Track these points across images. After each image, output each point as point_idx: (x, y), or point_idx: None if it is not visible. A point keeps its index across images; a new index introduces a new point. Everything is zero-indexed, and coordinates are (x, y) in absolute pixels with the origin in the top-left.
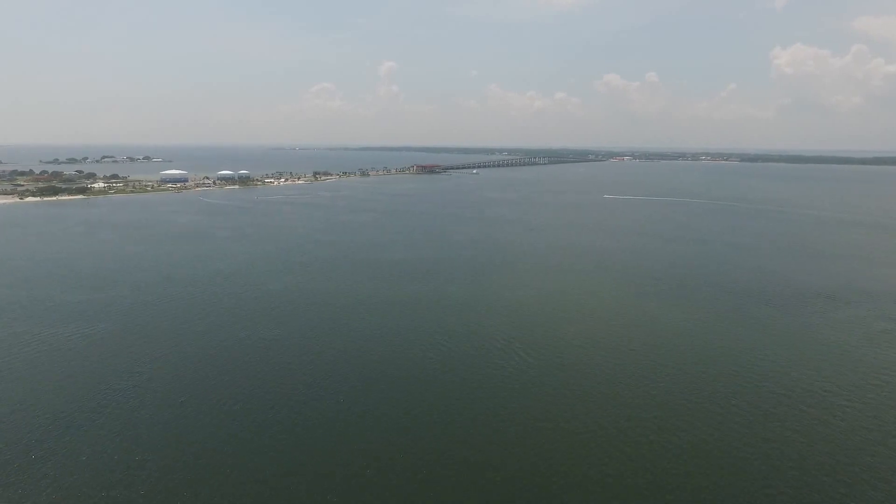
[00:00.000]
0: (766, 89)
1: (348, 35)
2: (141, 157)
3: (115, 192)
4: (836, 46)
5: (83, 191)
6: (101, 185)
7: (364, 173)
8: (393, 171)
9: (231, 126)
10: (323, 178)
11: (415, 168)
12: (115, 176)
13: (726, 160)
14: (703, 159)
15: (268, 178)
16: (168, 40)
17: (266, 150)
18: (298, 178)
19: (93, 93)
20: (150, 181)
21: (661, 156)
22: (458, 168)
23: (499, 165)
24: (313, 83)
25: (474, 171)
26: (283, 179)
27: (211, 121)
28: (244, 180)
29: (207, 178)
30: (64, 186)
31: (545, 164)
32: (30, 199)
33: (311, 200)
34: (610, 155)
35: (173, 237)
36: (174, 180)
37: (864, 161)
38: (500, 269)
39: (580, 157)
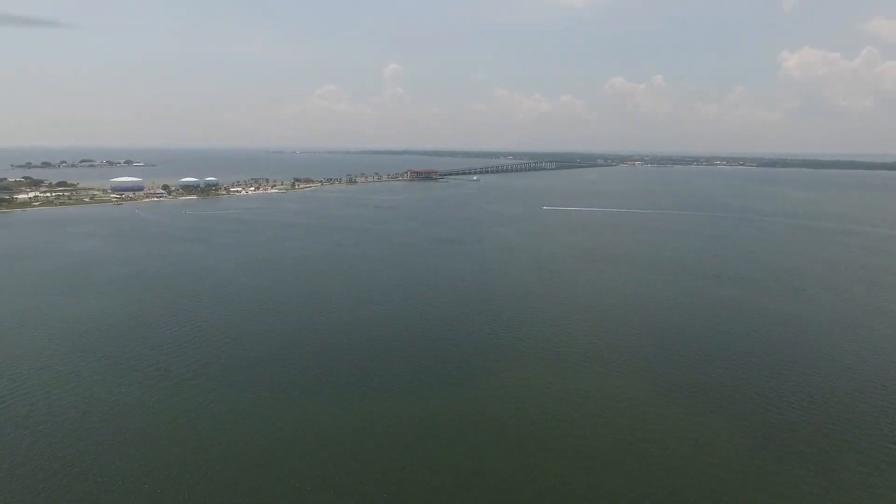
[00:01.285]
0: (775, 92)
1: (354, 37)
2: (122, 161)
3: (40, 205)
4: (847, 49)
5: None
6: (30, 195)
7: (351, 180)
8: (385, 177)
9: (236, 129)
10: (303, 185)
11: (409, 174)
12: (62, 183)
13: (742, 165)
14: (719, 164)
15: (237, 187)
16: (177, 43)
17: (267, 153)
18: (272, 187)
19: (100, 95)
20: (99, 189)
21: (674, 160)
22: (456, 174)
23: (503, 171)
24: (319, 86)
25: (474, 178)
26: (252, 188)
27: (216, 124)
28: (208, 189)
29: (166, 186)
30: None
31: (552, 168)
32: None
33: (268, 216)
34: (619, 159)
35: None
36: (125, 189)
37: (887, 166)
38: (505, 361)
39: (589, 161)
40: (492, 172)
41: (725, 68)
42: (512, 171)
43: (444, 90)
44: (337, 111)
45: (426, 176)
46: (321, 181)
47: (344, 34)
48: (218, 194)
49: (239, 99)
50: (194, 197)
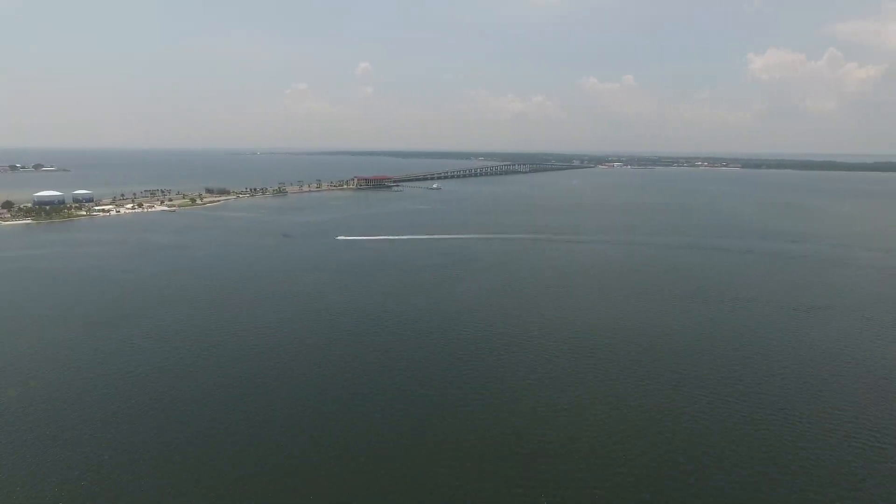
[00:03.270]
0: (742, 93)
1: (328, 37)
2: (29, 166)
3: None
4: (811, 51)
5: None
6: None
7: (280, 190)
8: (326, 185)
9: (202, 129)
10: (213, 199)
11: (356, 181)
12: None
13: (725, 166)
14: (700, 165)
15: (107, 202)
16: (141, 40)
17: (226, 155)
18: (160, 203)
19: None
20: None
21: (654, 161)
22: (413, 180)
23: (471, 175)
24: (291, 85)
25: (434, 186)
26: (130, 206)
27: (181, 124)
28: (60, 209)
29: (9, 203)
30: None
31: (526, 172)
32: None
33: (82, 265)
34: (596, 160)
35: None
36: None
37: (867, 166)
38: None
39: (564, 162)
40: (457, 177)
41: (694, 69)
42: (481, 174)
43: (419, 91)
44: (309, 110)
45: (377, 184)
46: (242, 192)
47: (317, 32)
48: (75, 216)
49: (205, 98)
50: (28, 221)
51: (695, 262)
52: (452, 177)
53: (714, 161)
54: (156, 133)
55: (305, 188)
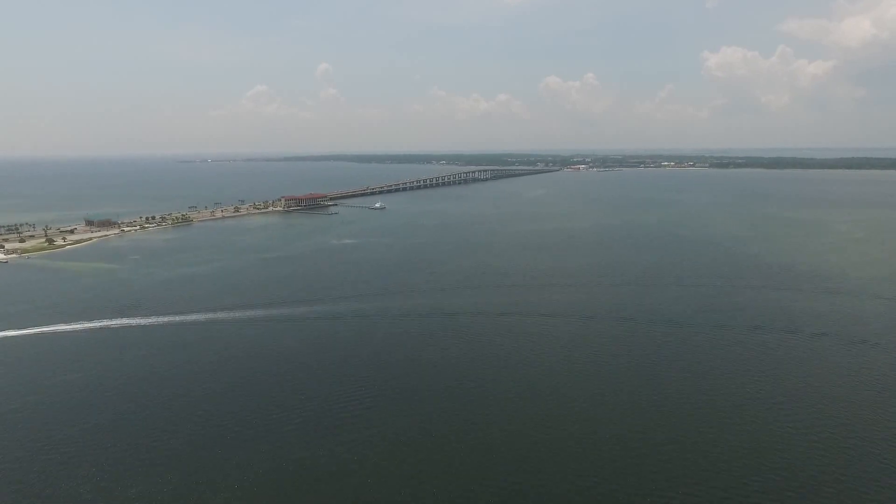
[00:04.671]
0: (701, 90)
1: (286, 37)
2: None
3: None
4: (763, 48)
5: None
6: None
7: (184, 218)
8: (246, 208)
9: (160, 135)
10: (86, 236)
11: (283, 202)
12: None
13: (693, 166)
14: (667, 165)
15: None
16: (91, 42)
17: (173, 163)
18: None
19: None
20: None
21: (620, 161)
22: (357, 196)
23: (426, 186)
24: (250, 87)
25: (377, 205)
26: None
27: (138, 130)
28: None
29: None
30: None
31: (486, 179)
32: None
33: None
34: (559, 160)
35: None
36: None
37: (833, 163)
38: None
39: (529, 164)
40: (411, 189)
41: (654, 66)
42: (439, 185)
43: (381, 91)
44: (269, 113)
45: (310, 204)
46: (135, 221)
47: (275, 34)
48: None
49: (161, 102)
50: None
51: (729, 362)
52: (405, 189)
53: (680, 160)
54: (106, 141)
55: (219, 213)
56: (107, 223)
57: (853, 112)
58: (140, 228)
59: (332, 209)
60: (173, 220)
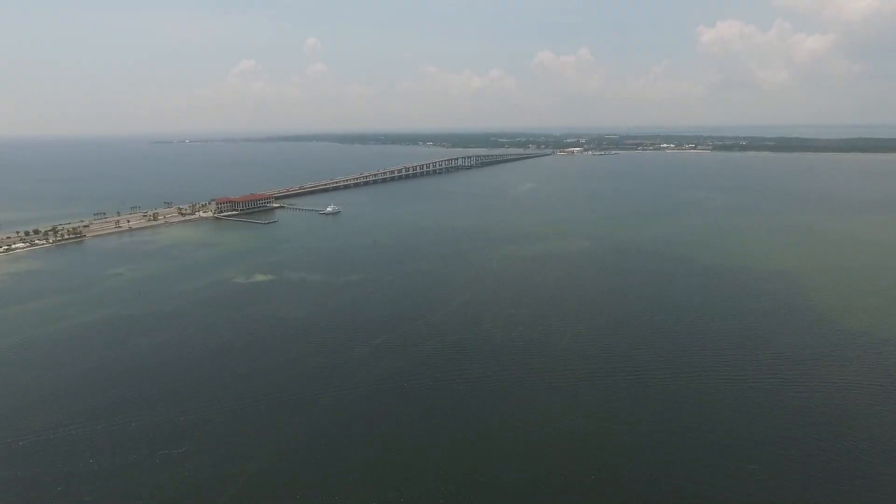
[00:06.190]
0: (695, 66)
1: (272, 12)
2: None
3: None
4: (761, 22)
5: None
6: None
7: (77, 232)
8: (164, 215)
9: (144, 112)
10: None
11: (214, 206)
12: None
13: (694, 148)
14: (667, 148)
15: None
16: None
17: (146, 145)
18: None
19: None
20: None
21: (616, 143)
22: (311, 193)
23: (401, 177)
24: (235, 64)
25: (329, 209)
26: None
27: (116, 109)
28: None
29: None
30: None
31: (471, 167)
32: None
33: None
34: (552, 141)
35: None
36: None
37: (851, 146)
38: None
39: (519, 147)
40: (382, 181)
41: (648, 42)
42: (416, 174)
43: (370, 68)
44: (256, 90)
45: (248, 207)
46: (11, 237)
47: (258, 6)
48: None
49: (146, 80)
50: None
51: None
52: (374, 182)
53: (680, 142)
54: (88, 120)
55: (126, 223)
56: None
57: (851, 87)
58: (6, 251)
59: (275, 214)
60: (61, 235)
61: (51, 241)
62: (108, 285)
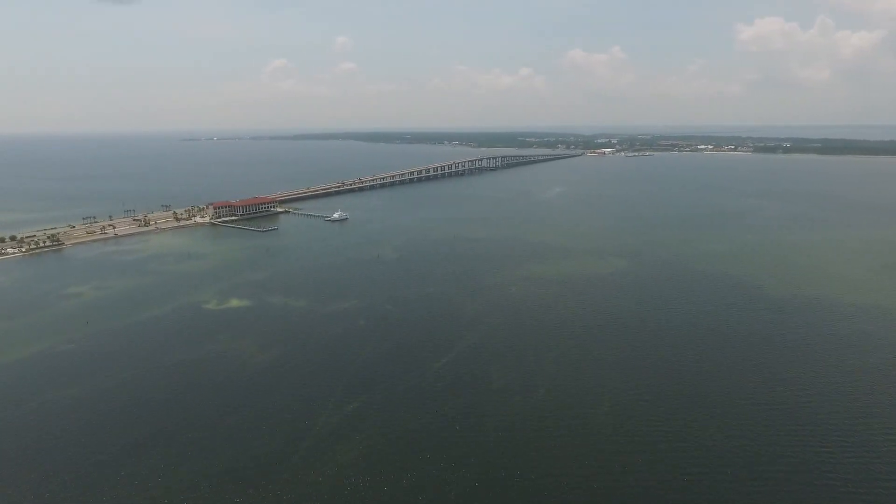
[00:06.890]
0: (732, 64)
1: (302, 10)
2: None
3: None
4: (802, 19)
5: None
6: None
7: (54, 240)
8: (154, 224)
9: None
10: None
11: (211, 211)
12: None
13: (734, 149)
14: (705, 149)
15: None
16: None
17: (174, 142)
18: None
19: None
20: None
21: (650, 143)
22: (319, 197)
23: (422, 178)
24: (267, 62)
25: (336, 216)
26: None
27: (148, 105)
28: None
29: None
30: None
31: (495, 168)
32: None
33: None
34: (582, 141)
35: None
36: None
37: None
38: None
39: (548, 147)
40: (402, 183)
41: (683, 40)
42: (438, 175)
43: (399, 66)
44: (287, 88)
45: (250, 211)
46: None
47: (289, 6)
48: None
49: (181, 78)
50: None
51: None
52: (392, 184)
53: (719, 143)
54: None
55: (112, 230)
56: None
57: None
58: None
59: (277, 220)
60: (37, 242)
61: (24, 249)
62: (59, 309)
